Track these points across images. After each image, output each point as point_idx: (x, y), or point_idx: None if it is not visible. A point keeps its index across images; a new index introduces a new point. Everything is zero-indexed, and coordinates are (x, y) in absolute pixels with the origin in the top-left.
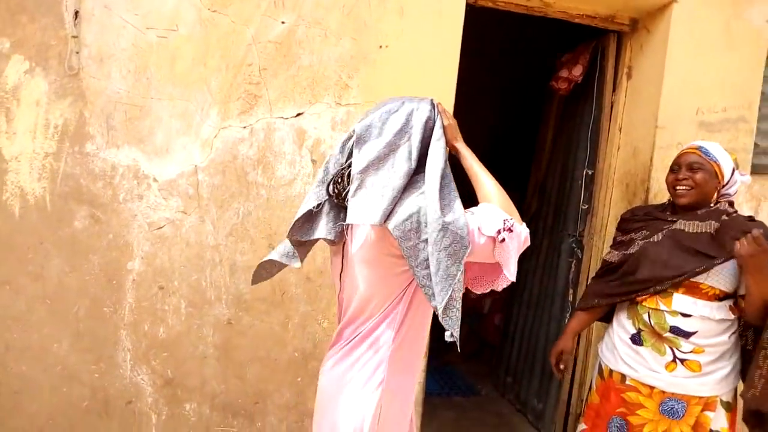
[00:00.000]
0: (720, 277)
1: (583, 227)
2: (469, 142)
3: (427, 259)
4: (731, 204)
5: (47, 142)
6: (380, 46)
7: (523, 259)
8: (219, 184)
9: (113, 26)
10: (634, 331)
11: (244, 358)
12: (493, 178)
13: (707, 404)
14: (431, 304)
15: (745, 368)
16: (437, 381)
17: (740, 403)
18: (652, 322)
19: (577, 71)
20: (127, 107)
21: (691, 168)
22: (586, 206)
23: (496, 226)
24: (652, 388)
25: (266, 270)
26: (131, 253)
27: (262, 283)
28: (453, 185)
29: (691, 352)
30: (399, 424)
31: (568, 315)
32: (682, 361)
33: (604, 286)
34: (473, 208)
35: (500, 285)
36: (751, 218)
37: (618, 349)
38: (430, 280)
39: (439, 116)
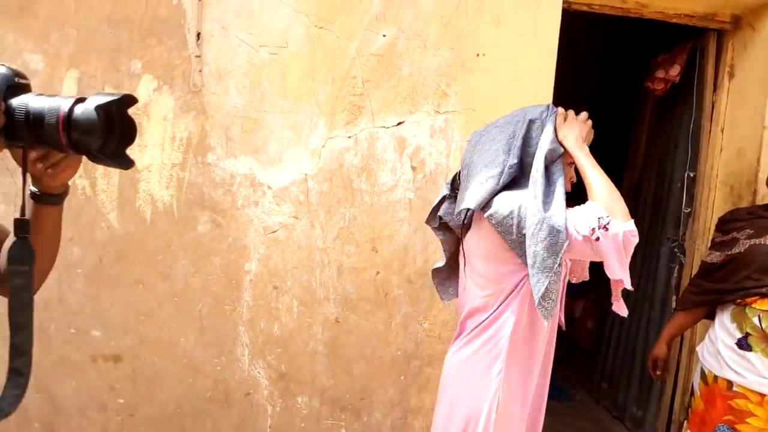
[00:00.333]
0: None
1: (684, 231)
2: None
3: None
4: None
5: (174, 154)
6: (477, 55)
7: None
8: (327, 190)
9: (230, 45)
10: (740, 335)
11: (351, 356)
12: (606, 178)
13: None
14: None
15: None
16: None
17: None
18: (764, 326)
19: (675, 71)
20: (243, 120)
21: None
22: (688, 210)
23: (591, 224)
24: (762, 395)
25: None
26: (248, 255)
27: (366, 284)
28: (559, 184)
29: None
30: (514, 422)
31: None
32: None
33: (708, 287)
34: (577, 207)
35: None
36: None
37: (722, 354)
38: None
39: (550, 119)
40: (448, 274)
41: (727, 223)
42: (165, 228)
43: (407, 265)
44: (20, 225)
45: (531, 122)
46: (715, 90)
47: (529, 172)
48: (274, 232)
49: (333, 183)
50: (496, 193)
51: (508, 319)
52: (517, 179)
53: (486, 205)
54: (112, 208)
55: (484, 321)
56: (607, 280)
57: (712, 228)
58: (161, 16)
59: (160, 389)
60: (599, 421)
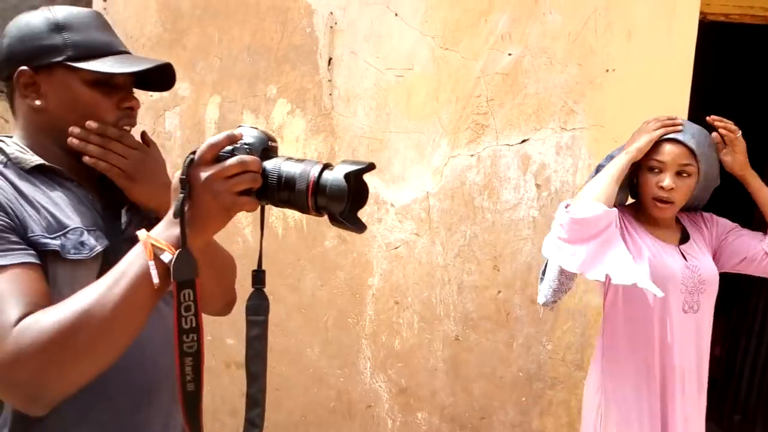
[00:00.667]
0: None
1: None
2: None
3: None
4: None
5: None
6: (607, 70)
7: (752, 285)
8: (448, 208)
9: (358, 69)
10: None
11: (471, 374)
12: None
13: None
14: None
15: None
16: None
17: None
18: None
19: None
20: (370, 141)
21: None
22: None
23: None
24: None
25: None
26: (371, 270)
27: (487, 302)
28: None
29: None
30: None
31: None
32: None
33: None
34: None
35: None
36: None
37: None
38: None
39: None
40: None
41: None
42: (295, 243)
43: (530, 285)
44: (257, 276)
45: None
46: None
47: None
48: (396, 248)
49: (454, 201)
50: None
51: (604, 330)
52: None
53: None
54: (247, 223)
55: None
56: (738, 303)
57: None
58: (296, 44)
59: (287, 397)
60: None
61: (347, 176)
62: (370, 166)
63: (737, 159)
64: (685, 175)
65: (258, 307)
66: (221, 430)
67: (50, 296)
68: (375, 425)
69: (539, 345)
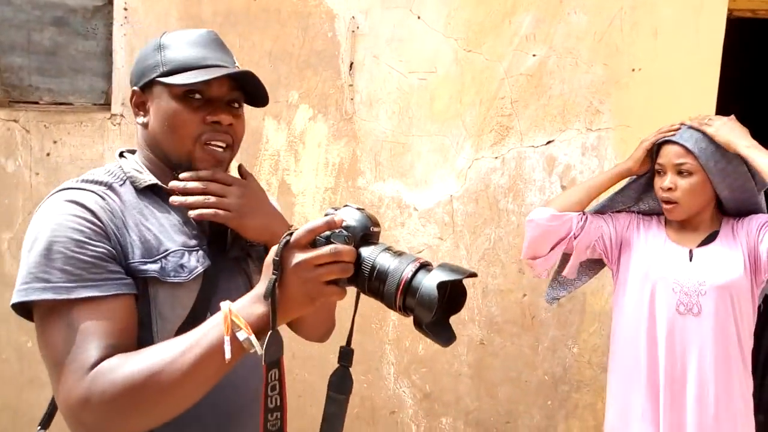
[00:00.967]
0: None
1: None
2: None
3: None
4: None
5: (326, 178)
6: (633, 70)
7: None
8: (472, 211)
9: (380, 73)
10: None
11: (496, 378)
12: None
13: None
14: None
15: None
16: None
17: None
18: None
19: None
20: (392, 145)
21: None
22: None
23: None
24: None
25: None
26: None
27: (512, 306)
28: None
29: None
30: None
31: None
32: None
33: None
34: None
35: None
36: None
37: None
38: None
39: None
40: None
41: None
42: None
43: None
44: (345, 354)
45: None
46: None
47: None
48: (420, 252)
49: (478, 204)
50: None
51: (612, 328)
52: None
53: None
54: None
55: None
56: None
57: None
58: (317, 49)
59: (310, 404)
60: None
61: (441, 286)
62: (471, 275)
63: (718, 134)
64: (685, 173)
65: (342, 385)
66: None
67: (134, 333)
68: (399, 431)
69: (565, 348)
